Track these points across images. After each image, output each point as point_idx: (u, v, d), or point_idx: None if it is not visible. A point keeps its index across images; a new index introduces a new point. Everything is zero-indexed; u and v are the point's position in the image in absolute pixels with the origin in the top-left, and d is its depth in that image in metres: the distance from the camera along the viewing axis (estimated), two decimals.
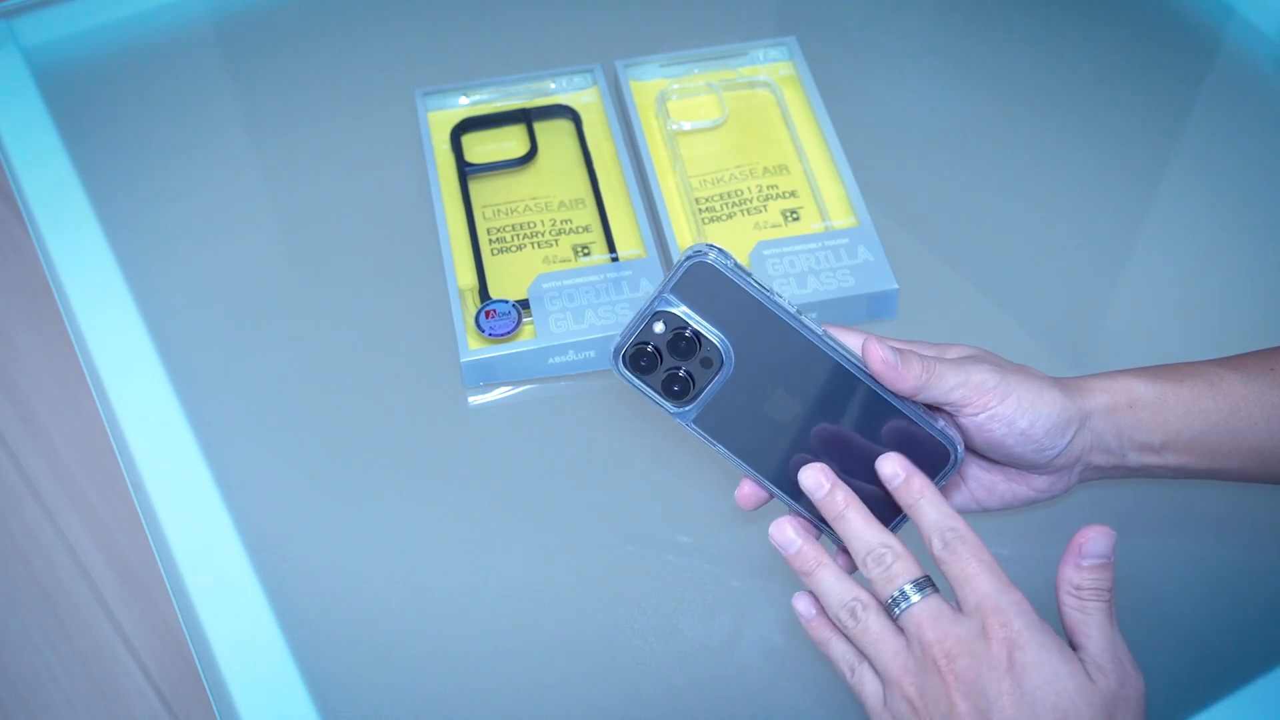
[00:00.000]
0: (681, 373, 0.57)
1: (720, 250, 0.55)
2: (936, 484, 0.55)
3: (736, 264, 0.55)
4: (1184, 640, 0.64)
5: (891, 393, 0.55)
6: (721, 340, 0.56)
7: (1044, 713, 0.48)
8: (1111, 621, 0.51)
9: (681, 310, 0.56)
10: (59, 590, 1.29)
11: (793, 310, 0.55)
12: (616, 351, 0.57)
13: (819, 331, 0.55)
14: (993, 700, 0.48)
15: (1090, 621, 0.51)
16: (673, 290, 0.56)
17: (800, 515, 0.57)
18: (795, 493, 0.57)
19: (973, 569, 0.51)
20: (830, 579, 0.54)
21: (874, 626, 0.52)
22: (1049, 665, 0.49)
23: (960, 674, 0.49)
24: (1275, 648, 0.64)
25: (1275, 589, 0.67)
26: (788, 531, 0.55)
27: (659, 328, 0.56)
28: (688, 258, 0.55)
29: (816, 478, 0.55)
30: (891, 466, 0.55)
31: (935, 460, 0.55)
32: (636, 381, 0.57)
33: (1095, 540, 0.52)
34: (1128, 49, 0.95)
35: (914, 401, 0.55)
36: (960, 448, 0.55)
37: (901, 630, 0.51)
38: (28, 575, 1.30)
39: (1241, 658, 0.64)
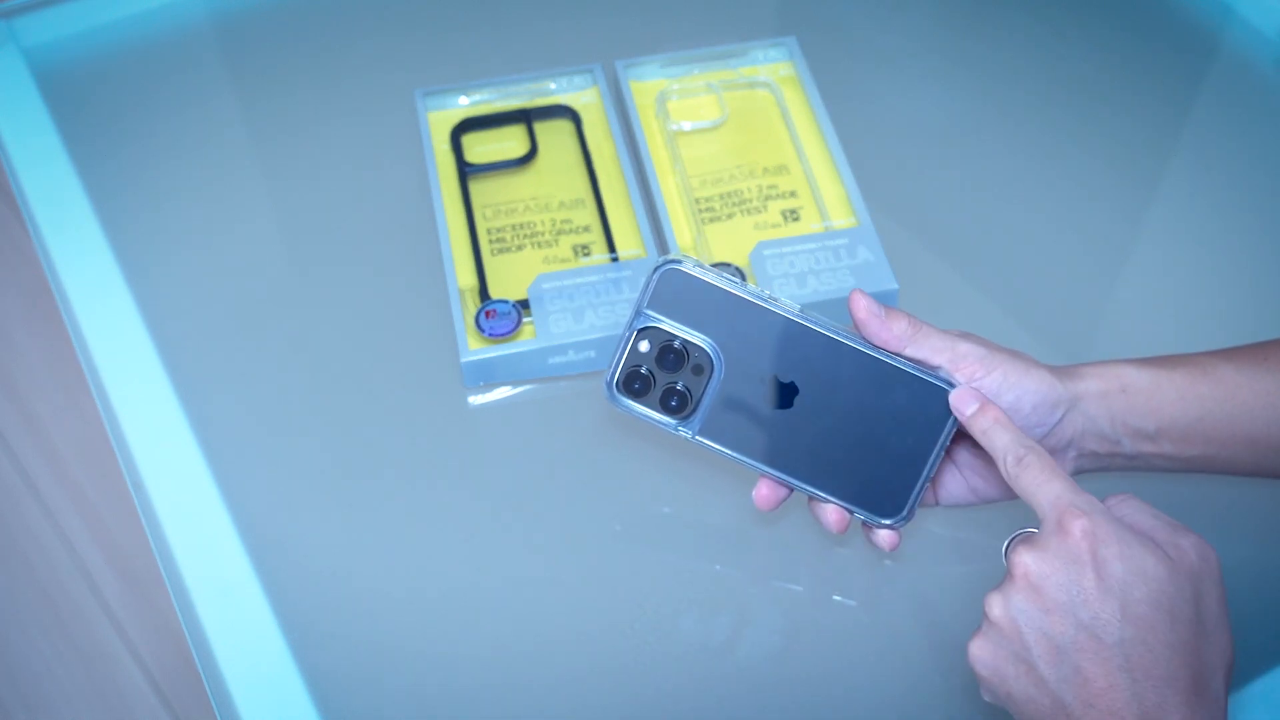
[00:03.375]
0: (678, 387, 0.57)
1: (684, 256, 0.56)
2: (945, 432, 0.56)
3: (702, 264, 0.56)
4: None
5: (885, 353, 0.56)
6: (708, 343, 0.56)
7: (1134, 605, 0.48)
8: (1151, 507, 0.52)
9: (663, 323, 0.56)
10: (59, 590, 1.28)
11: (767, 295, 0.55)
12: (609, 383, 0.57)
13: (797, 310, 0.55)
14: (1076, 595, 0.48)
15: (1138, 513, 0.51)
16: (650, 305, 0.56)
17: (828, 501, 0.58)
18: (815, 480, 0.57)
19: (1043, 477, 0.51)
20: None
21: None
22: (1134, 556, 0.48)
23: (1034, 569, 0.49)
24: (1275, 648, 0.64)
25: (1275, 588, 0.67)
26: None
27: (644, 346, 0.57)
28: (655, 269, 0.55)
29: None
30: (964, 398, 0.55)
31: (940, 409, 0.56)
32: (635, 407, 0.58)
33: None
34: (1128, 49, 0.95)
35: (910, 359, 0.56)
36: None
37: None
38: (28, 575, 1.30)
39: (1242, 657, 0.64)
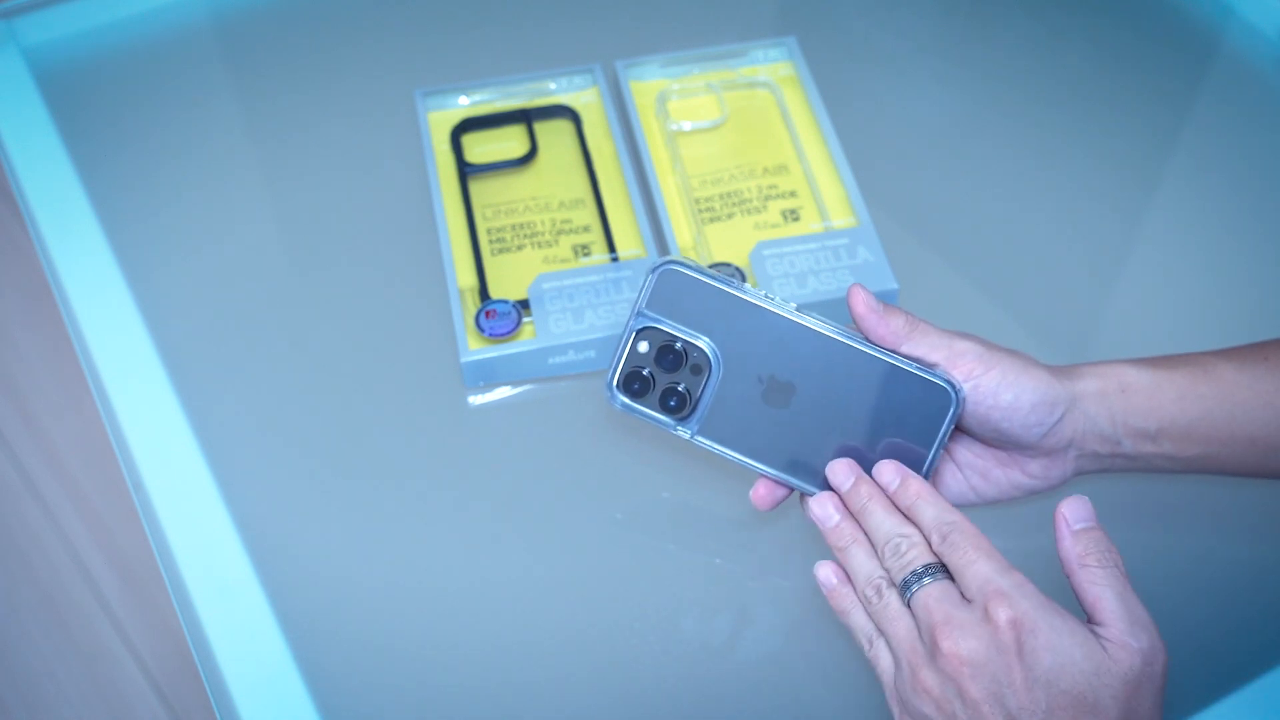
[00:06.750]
0: (678, 387, 0.57)
1: (681, 256, 0.56)
2: (943, 429, 0.56)
3: (699, 265, 0.56)
4: (1184, 640, 0.64)
5: (882, 350, 0.56)
6: (707, 343, 0.56)
7: (1058, 697, 0.47)
8: (1128, 590, 0.50)
9: (661, 323, 0.56)
10: (59, 590, 1.29)
11: (764, 295, 0.56)
12: (609, 383, 0.58)
13: (794, 309, 0.56)
14: (1004, 685, 0.48)
15: (1105, 594, 0.50)
16: (648, 306, 0.56)
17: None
18: (814, 480, 0.57)
19: (970, 556, 0.51)
20: (862, 555, 0.54)
21: (893, 605, 0.52)
22: (1062, 648, 0.48)
23: (966, 658, 0.48)
24: (1275, 648, 0.64)
25: (1275, 588, 0.67)
26: (828, 507, 0.56)
27: (644, 347, 0.57)
28: (653, 269, 0.56)
29: (843, 471, 0.56)
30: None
31: (938, 406, 0.56)
32: (635, 407, 0.58)
33: (1074, 507, 0.52)
34: (1128, 49, 0.95)
35: (906, 356, 0.56)
36: (961, 389, 0.55)
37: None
38: (28, 575, 1.30)
39: (1241, 658, 0.64)
